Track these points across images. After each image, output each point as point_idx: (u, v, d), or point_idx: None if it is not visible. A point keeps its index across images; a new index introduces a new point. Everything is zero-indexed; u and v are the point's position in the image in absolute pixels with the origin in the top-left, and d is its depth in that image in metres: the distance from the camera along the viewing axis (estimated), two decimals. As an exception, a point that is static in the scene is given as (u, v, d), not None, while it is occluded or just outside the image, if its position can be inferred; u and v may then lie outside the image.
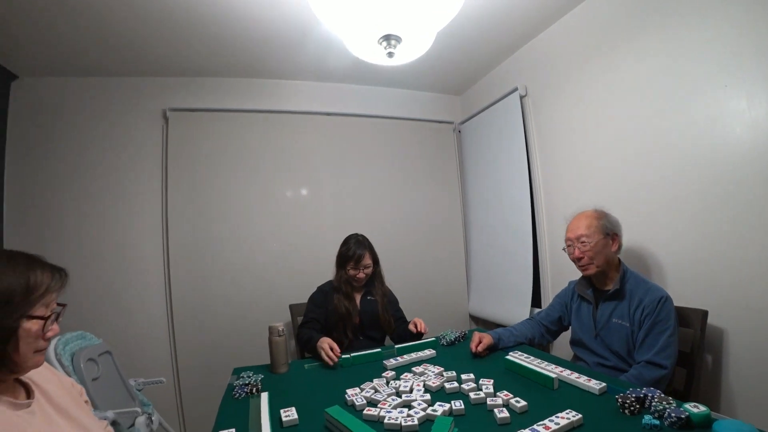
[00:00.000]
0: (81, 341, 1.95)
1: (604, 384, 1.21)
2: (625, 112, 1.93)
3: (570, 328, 1.79)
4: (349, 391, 1.29)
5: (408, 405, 1.18)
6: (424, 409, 1.12)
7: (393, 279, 2.33)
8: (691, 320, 1.57)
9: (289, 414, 1.14)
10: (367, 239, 2.12)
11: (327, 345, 1.65)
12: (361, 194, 2.99)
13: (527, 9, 2.15)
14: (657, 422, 0.98)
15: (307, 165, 2.88)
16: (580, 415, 1.02)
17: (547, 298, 2.46)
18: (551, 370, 1.33)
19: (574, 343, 1.74)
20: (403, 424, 1.04)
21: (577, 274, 1.81)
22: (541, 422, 0.99)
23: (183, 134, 2.65)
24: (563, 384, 1.28)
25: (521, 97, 2.59)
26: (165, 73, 2.65)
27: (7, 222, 2.33)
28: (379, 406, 1.17)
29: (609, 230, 1.59)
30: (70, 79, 2.53)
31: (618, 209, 1.72)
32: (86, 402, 1.14)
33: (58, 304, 0.93)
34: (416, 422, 1.04)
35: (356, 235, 2.12)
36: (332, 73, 2.86)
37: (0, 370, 0.79)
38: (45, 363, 1.06)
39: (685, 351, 1.55)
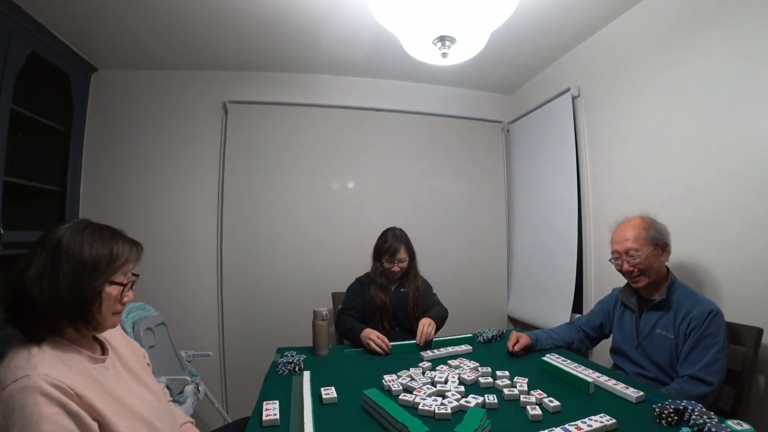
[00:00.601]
0: (141, 311, 2.13)
1: (642, 393, 1.20)
2: (682, 116, 1.84)
3: (611, 336, 1.76)
4: (387, 377, 1.35)
5: (442, 394, 1.22)
6: (457, 400, 1.16)
7: (432, 275, 2.37)
8: (744, 337, 1.50)
9: (329, 392, 1.22)
10: (405, 234, 2.16)
11: (375, 336, 1.73)
12: (406, 190, 3.03)
13: (584, 7, 2.09)
14: (696, 436, 0.97)
15: (355, 159, 2.96)
16: (614, 420, 1.02)
17: (589, 304, 2.41)
18: (588, 375, 1.33)
19: (615, 351, 1.71)
20: (436, 411, 1.09)
21: (622, 281, 1.77)
22: (573, 422, 1.01)
23: (240, 125, 2.81)
24: (599, 389, 1.28)
25: (573, 98, 2.52)
26: (227, 67, 2.81)
27: (84, 201, 2.59)
28: (414, 393, 1.23)
29: (659, 240, 1.54)
30: (141, 71, 2.74)
31: (670, 216, 1.66)
32: (148, 364, 1.26)
33: (133, 274, 1.04)
34: (449, 411, 1.09)
35: (394, 228, 2.18)
36: (384, 70, 2.91)
37: (85, 327, 0.90)
38: (117, 327, 1.20)
39: (735, 369, 1.48)
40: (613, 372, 1.49)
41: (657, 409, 1.07)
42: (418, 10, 1.37)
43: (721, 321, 1.42)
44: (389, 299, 2.10)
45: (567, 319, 2.39)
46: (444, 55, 1.54)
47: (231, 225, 2.75)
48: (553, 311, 2.58)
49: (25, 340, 0.85)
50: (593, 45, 2.40)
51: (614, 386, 1.26)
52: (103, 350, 1.02)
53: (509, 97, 3.37)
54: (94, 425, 0.82)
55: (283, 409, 1.15)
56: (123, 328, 1.91)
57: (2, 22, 1.84)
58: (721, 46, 1.67)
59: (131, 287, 1.02)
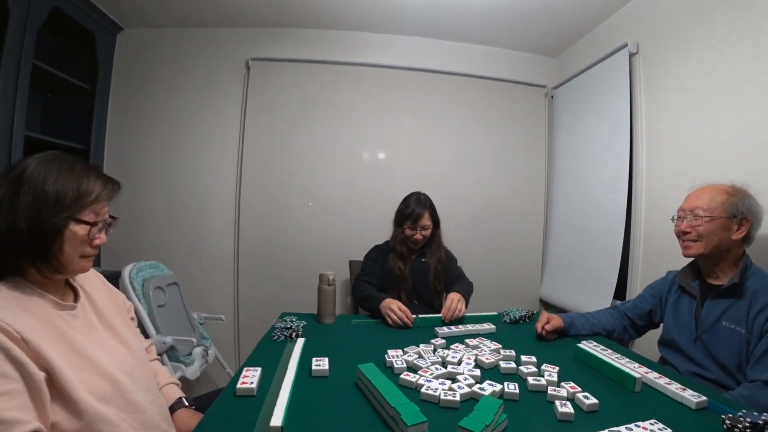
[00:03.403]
0: (153, 270, 2.06)
1: (704, 398, 0.96)
2: (762, 78, 1.51)
3: (661, 325, 1.50)
4: (390, 352, 1.17)
5: (452, 378, 1.03)
6: (470, 386, 0.96)
7: (458, 247, 2.16)
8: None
9: (320, 364, 1.05)
10: (430, 199, 1.95)
11: (396, 307, 1.55)
12: (436, 156, 2.80)
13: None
14: (782, 461, 0.74)
15: (382, 121, 2.75)
16: (669, 430, 0.80)
17: (634, 290, 2.12)
18: (633, 369, 1.09)
19: (665, 344, 1.45)
20: (442, 397, 0.89)
21: (677, 267, 1.50)
22: (615, 429, 0.79)
23: (263, 83, 2.66)
24: (647, 388, 1.05)
25: (631, 55, 2.18)
26: (249, 24, 2.67)
27: (108, 159, 2.56)
28: (419, 373, 1.04)
29: (738, 212, 1.24)
30: (165, 29, 2.67)
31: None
32: (132, 319, 1.14)
33: (111, 217, 0.92)
34: (458, 398, 0.90)
35: (418, 193, 1.96)
36: (415, 25, 2.64)
37: (46, 268, 0.80)
38: (99, 275, 1.08)
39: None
40: (665, 369, 1.25)
41: (728, 422, 0.84)
42: None
43: (809, 317, 1.15)
44: (409, 269, 1.91)
45: (607, 306, 2.12)
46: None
47: (250, 187, 2.64)
48: (592, 297, 2.31)
49: None
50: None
51: (667, 386, 1.02)
52: (76, 298, 0.92)
53: (555, 60, 3.03)
54: (40, 375, 0.71)
55: (266, 378, 1.00)
56: (132, 285, 1.84)
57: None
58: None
59: (105, 230, 0.90)
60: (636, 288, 2.11)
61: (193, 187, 2.63)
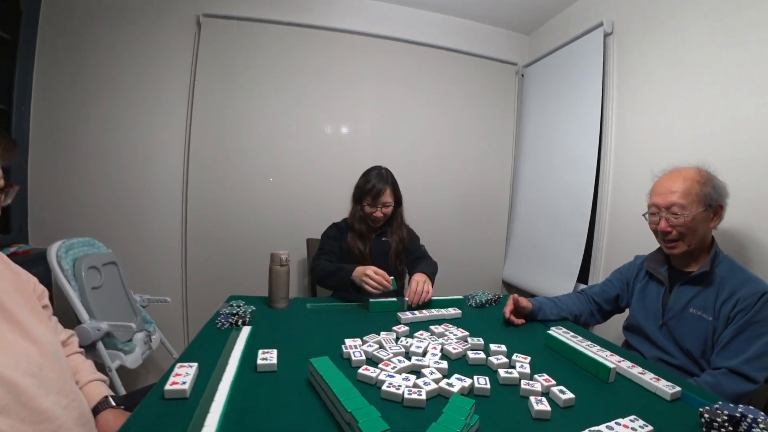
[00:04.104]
0: (87, 248, 1.84)
1: (678, 389, 0.91)
2: (737, 62, 1.49)
3: (627, 310, 1.47)
4: (348, 342, 1.05)
5: (417, 372, 0.93)
6: (437, 381, 0.86)
7: (420, 226, 2.06)
8: (795, 328, 1.22)
9: (267, 357, 0.92)
10: (392, 174, 1.82)
11: (372, 272, 1.43)
12: (399, 129, 2.66)
13: None
14: (764, 459, 0.69)
15: (346, 90, 2.56)
16: (650, 427, 0.74)
17: (597, 274, 2.12)
18: (606, 358, 1.03)
19: (631, 329, 1.42)
20: (405, 395, 0.79)
21: (641, 250, 1.47)
22: (594, 428, 0.72)
23: (216, 44, 2.36)
24: (621, 379, 0.99)
25: (605, 35, 2.13)
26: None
27: (34, 122, 2.19)
28: (380, 366, 0.93)
29: (713, 201, 1.20)
30: None
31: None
32: (45, 307, 0.97)
33: (7, 183, 0.75)
34: (423, 396, 0.79)
35: (379, 167, 1.83)
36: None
37: None
38: (3, 257, 0.90)
39: (779, 365, 1.20)
40: (635, 356, 1.21)
41: (706, 415, 0.78)
42: None
43: (775, 306, 1.13)
44: (368, 249, 1.78)
45: (570, 289, 2.11)
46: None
47: (199, 160, 2.37)
48: (556, 279, 2.30)
49: None
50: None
51: (641, 376, 0.96)
52: None
53: (528, 38, 2.95)
54: None
55: (204, 375, 0.86)
56: (60, 265, 1.61)
57: None
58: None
59: None
60: (599, 271, 2.11)
61: (136, 158, 2.32)
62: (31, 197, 2.18)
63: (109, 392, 0.99)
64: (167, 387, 0.77)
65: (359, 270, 1.47)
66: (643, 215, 1.33)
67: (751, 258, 1.42)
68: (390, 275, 1.74)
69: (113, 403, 0.96)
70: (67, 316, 1.58)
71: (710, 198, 1.20)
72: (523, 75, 2.89)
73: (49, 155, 2.20)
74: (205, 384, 0.82)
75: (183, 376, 0.81)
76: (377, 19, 2.60)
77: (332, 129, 2.57)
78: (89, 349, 1.58)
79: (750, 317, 1.12)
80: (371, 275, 1.43)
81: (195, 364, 0.86)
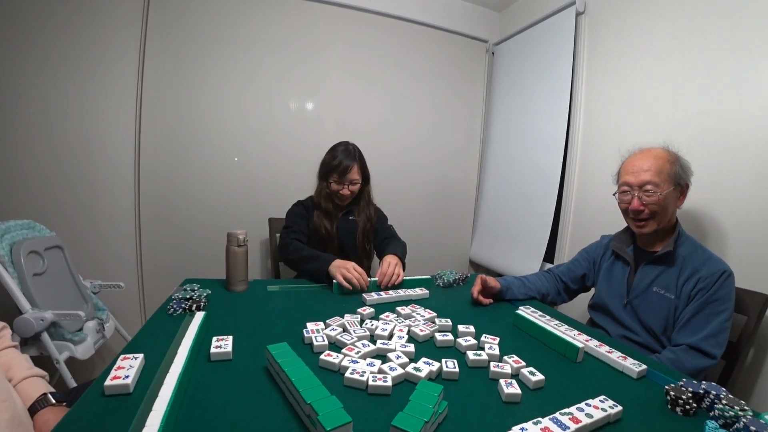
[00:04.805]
0: (27, 231, 1.68)
1: (644, 366, 0.91)
2: (705, 47, 1.51)
3: (593, 289, 1.49)
4: (310, 326, 0.99)
5: (383, 356, 0.88)
6: (403, 366, 0.82)
7: (387, 205, 2.01)
8: (747, 306, 1.26)
9: (221, 345, 0.84)
10: (359, 150, 1.75)
11: (352, 268, 1.37)
12: (367, 105, 2.56)
13: None
14: (725, 432, 0.69)
15: (307, 62, 2.42)
16: (619, 408, 0.72)
17: (563, 253, 2.15)
18: (574, 337, 1.02)
19: (596, 308, 1.44)
20: (370, 383, 0.74)
21: (606, 230, 1.49)
22: (565, 410, 0.70)
23: (167, 10, 2.15)
24: (588, 358, 0.98)
25: (577, 14, 2.11)
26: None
27: None
28: (344, 351, 0.87)
29: (681, 180, 1.22)
30: None
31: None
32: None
33: None
34: (389, 383, 0.74)
35: (346, 143, 1.75)
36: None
37: None
38: None
39: (731, 340, 1.23)
40: (600, 334, 1.22)
41: (672, 393, 0.78)
42: None
43: (732, 285, 1.17)
44: (335, 228, 1.72)
45: (537, 269, 2.12)
46: None
47: (152, 134, 2.18)
48: (522, 259, 2.31)
49: None
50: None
51: (608, 354, 0.96)
52: None
53: (499, 14, 2.90)
54: None
55: (152, 367, 0.78)
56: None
57: None
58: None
59: None
60: (565, 251, 2.13)
61: (82, 134, 2.08)
62: (-39, 176, 1.96)
63: (48, 389, 0.90)
64: (107, 382, 0.68)
65: (338, 263, 1.41)
66: (614, 195, 1.33)
67: (711, 238, 1.46)
68: (357, 255, 1.69)
69: (53, 401, 0.87)
70: (4, 307, 1.45)
71: (679, 177, 1.21)
72: (493, 53, 2.85)
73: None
74: (151, 377, 0.74)
75: (126, 369, 0.73)
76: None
77: (296, 104, 2.44)
78: (32, 341, 1.46)
79: (709, 296, 1.15)
80: (351, 271, 1.36)
81: (140, 356, 0.78)
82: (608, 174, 1.43)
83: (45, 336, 1.46)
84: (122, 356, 0.77)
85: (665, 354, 1.16)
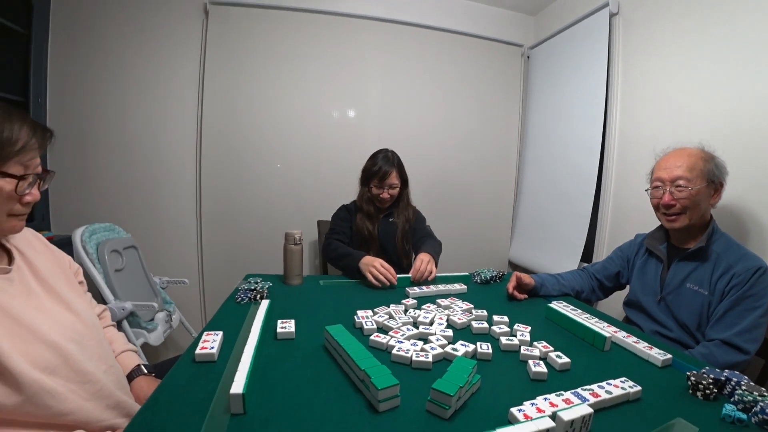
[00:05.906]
0: (108, 233, 1.93)
1: (669, 356, 0.97)
2: (742, 44, 1.51)
3: (628, 287, 1.53)
4: (360, 313, 1.13)
5: (424, 338, 1.00)
6: (442, 346, 0.94)
7: (428, 208, 2.13)
8: (787, 301, 1.26)
9: (286, 326, 1.00)
10: (398, 156, 1.88)
11: (379, 264, 1.49)
12: (407, 113, 2.70)
13: None
14: (743, 416, 0.74)
15: (354, 76, 2.59)
16: (638, 387, 0.80)
17: (601, 253, 2.17)
18: (603, 329, 1.10)
19: (630, 305, 1.48)
20: (414, 358, 0.86)
21: (644, 230, 1.52)
22: (587, 386, 0.78)
23: (224, 31, 2.40)
24: (615, 347, 1.05)
25: (611, 16, 2.13)
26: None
27: (51, 113, 2.25)
28: (390, 334, 1.00)
29: (715, 177, 1.25)
30: None
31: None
32: (81, 283, 1.05)
33: (45, 170, 0.82)
34: (430, 359, 0.86)
35: (386, 150, 1.89)
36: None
37: None
38: (39, 235, 0.97)
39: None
40: (631, 328, 1.27)
41: (693, 378, 0.85)
42: None
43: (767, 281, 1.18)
44: (376, 229, 1.85)
45: (574, 268, 2.16)
46: None
47: (211, 144, 2.44)
48: (560, 259, 2.35)
49: None
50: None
51: (635, 344, 1.03)
52: (11, 260, 0.82)
53: (533, 18, 2.94)
54: None
55: (228, 343, 0.94)
56: (84, 249, 1.71)
57: None
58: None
59: (38, 185, 0.80)
60: (603, 251, 2.16)
61: (150, 145, 2.39)
62: (51, 186, 2.26)
63: (141, 361, 1.08)
64: (197, 351, 0.85)
65: (367, 260, 1.53)
66: (646, 190, 1.37)
67: (748, 235, 1.46)
68: (397, 255, 1.81)
69: (145, 371, 1.04)
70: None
71: (712, 174, 1.24)
72: (528, 57, 2.90)
73: (66, 145, 2.27)
74: (230, 350, 0.90)
75: (211, 342, 0.89)
76: (383, 3, 2.61)
77: (339, 113, 2.61)
78: (114, 328, 1.69)
79: (744, 291, 1.17)
80: (378, 267, 1.48)
81: (220, 332, 0.94)
82: (645, 174, 1.46)
83: (125, 323, 1.68)
84: (206, 332, 0.94)
85: (698, 349, 1.20)
